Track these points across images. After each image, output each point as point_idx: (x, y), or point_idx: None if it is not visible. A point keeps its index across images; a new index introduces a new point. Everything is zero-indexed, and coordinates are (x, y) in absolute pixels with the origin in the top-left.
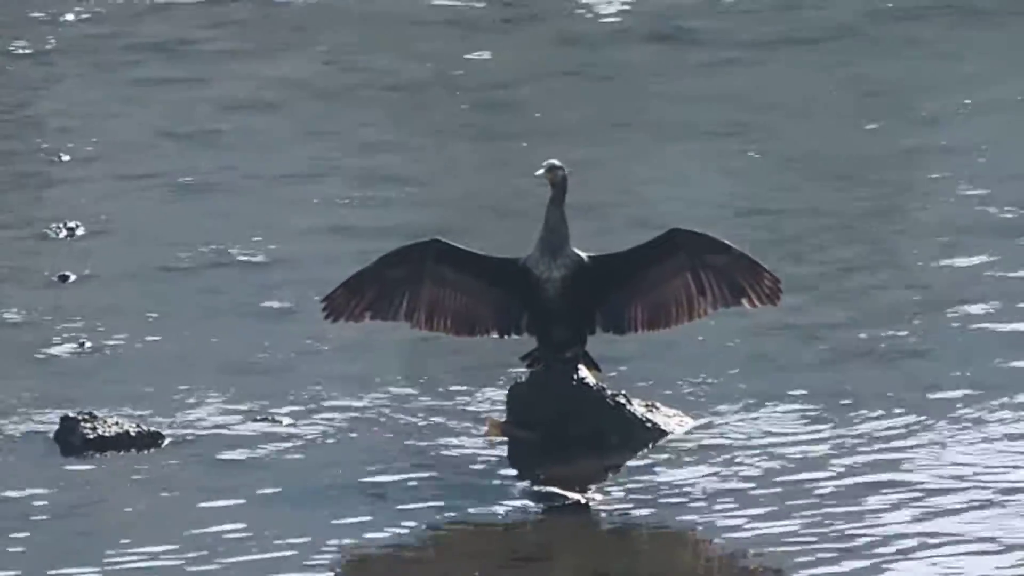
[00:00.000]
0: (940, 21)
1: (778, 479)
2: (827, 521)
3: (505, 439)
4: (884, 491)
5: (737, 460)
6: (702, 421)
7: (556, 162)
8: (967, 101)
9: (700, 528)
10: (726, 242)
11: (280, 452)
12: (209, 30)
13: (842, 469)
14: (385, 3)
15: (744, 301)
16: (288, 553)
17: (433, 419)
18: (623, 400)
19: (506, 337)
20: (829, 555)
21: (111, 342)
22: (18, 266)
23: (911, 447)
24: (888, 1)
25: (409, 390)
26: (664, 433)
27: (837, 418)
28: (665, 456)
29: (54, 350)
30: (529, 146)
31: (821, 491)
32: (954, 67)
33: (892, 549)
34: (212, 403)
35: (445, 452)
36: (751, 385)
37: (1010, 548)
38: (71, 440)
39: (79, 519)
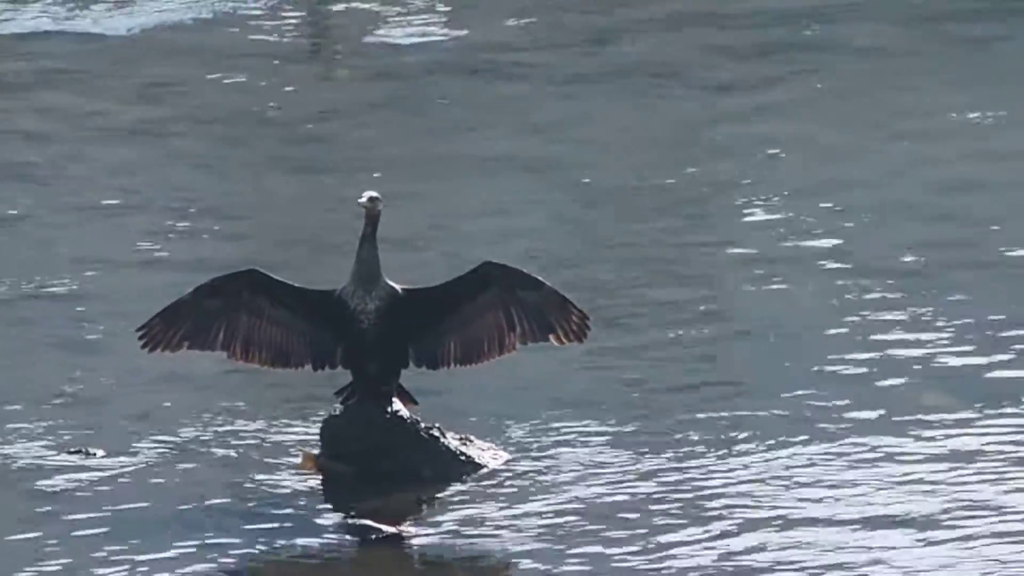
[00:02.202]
0: (750, 55)
1: (592, 512)
2: (641, 553)
3: (319, 472)
4: (696, 522)
5: (551, 492)
6: (516, 454)
7: (376, 194)
8: (779, 133)
9: (513, 561)
10: (537, 277)
11: (94, 484)
12: (23, 63)
13: (655, 501)
14: (199, 37)
15: (551, 337)
16: None
17: (248, 452)
18: (437, 433)
19: (321, 370)
20: None
21: None
22: None
23: (728, 479)
24: (706, 38)
25: (224, 423)
26: (479, 466)
27: (649, 450)
28: (479, 489)
29: None
30: (343, 180)
31: (634, 524)
32: (765, 99)
33: None
34: (26, 435)
35: (260, 485)
36: (565, 418)
37: None
38: None
39: None
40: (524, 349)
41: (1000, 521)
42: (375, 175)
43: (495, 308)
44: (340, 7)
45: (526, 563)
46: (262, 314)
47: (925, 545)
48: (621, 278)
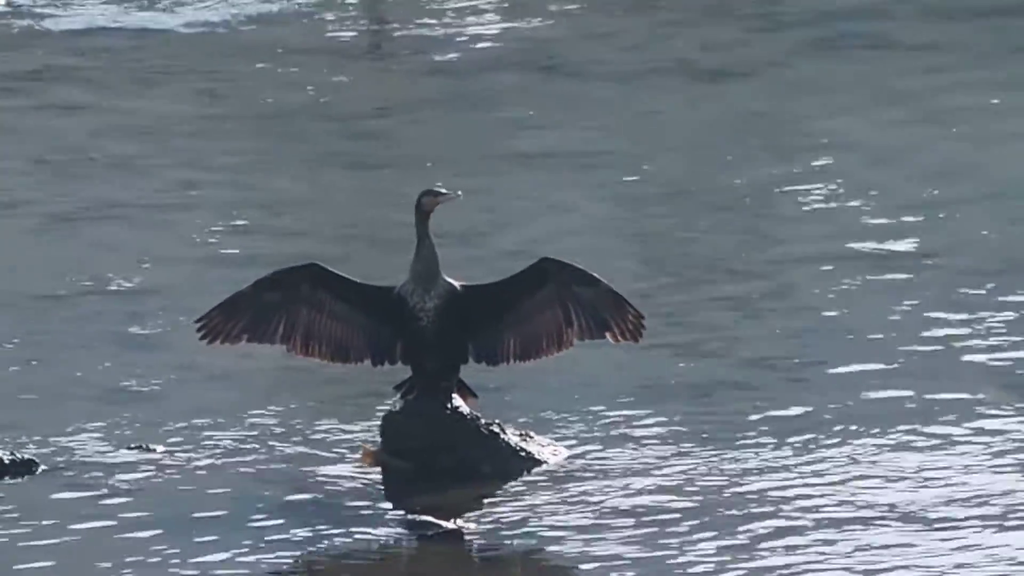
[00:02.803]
0: (808, 52)
1: (652, 508)
2: (700, 550)
3: (379, 468)
4: (760, 521)
5: (611, 489)
6: (576, 450)
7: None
8: (838, 132)
9: (573, 557)
10: (594, 275)
11: (154, 480)
12: (82, 59)
13: (715, 498)
14: (257, 34)
15: (607, 335)
16: None
17: (307, 447)
18: (497, 429)
19: (380, 366)
20: None
21: None
22: None
23: (787, 476)
24: (759, 33)
25: (283, 418)
26: (538, 462)
27: (711, 447)
28: (538, 485)
29: None
30: (400, 175)
31: (694, 521)
32: (823, 98)
33: None
34: (86, 431)
35: (319, 481)
36: (625, 413)
37: None
38: None
39: None
40: (583, 345)
41: None
42: (431, 170)
43: (552, 304)
44: (396, 1)
45: (584, 560)
46: (322, 308)
47: (991, 544)
48: (677, 274)
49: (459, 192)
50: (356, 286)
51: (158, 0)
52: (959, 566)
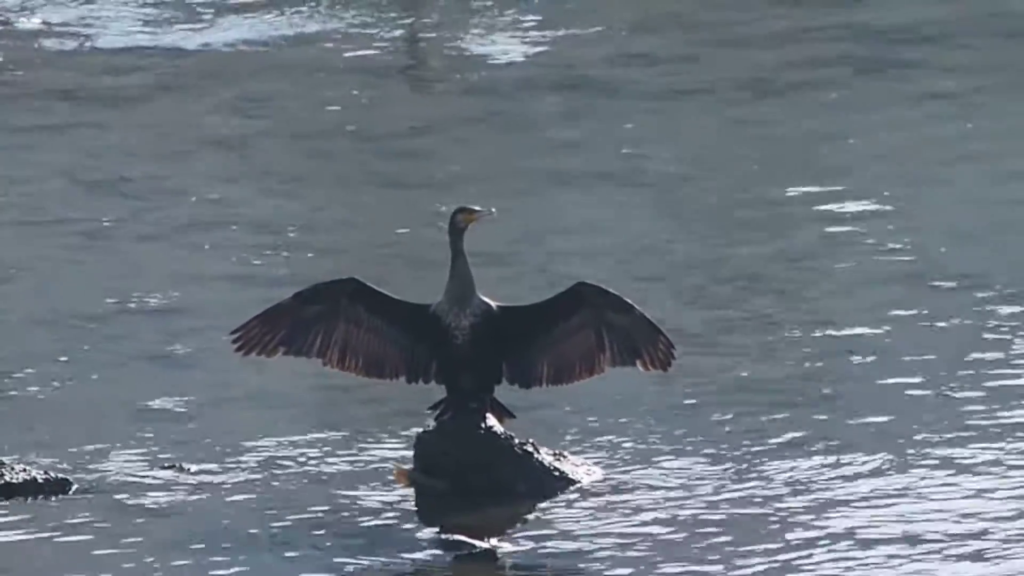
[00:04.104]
0: (844, 72)
1: (687, 525)
2: (738, 567)
3: (413, 488)
4: (796, 537)
5: (645, 509)
6: (610, 469)
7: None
8: (874, 152)
9: None
10: (628, 301)
11: (187, 500)
12: (117, 77)
13: (751, 517)
14: (293, 52)
15: (638, 363)
16: None
17: (340, 467)
18: (531, 449)
19: (415, 383)
20: None
21: (19, 388)
22: None
23: (822, 494)
24: (798, 54)
25: (316, 438)
26: (572, 482)
27: (746, 465)
28: (572, 505)
29: None
30: (435, 195)
31: (730, 538)
32: (859, 118)
33: None
34: (120, 450)
35: (352, 500)
36: (659, 433)
37: None
38: None
39: None
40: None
41: None
42: (466, 190)
43: (586, 329)
44: (432, 21)
45: None
46: (360, 323)
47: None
48: (712, 294)
49: (493, 209)
50: (394, 302)
51: (194, 19)
52: None
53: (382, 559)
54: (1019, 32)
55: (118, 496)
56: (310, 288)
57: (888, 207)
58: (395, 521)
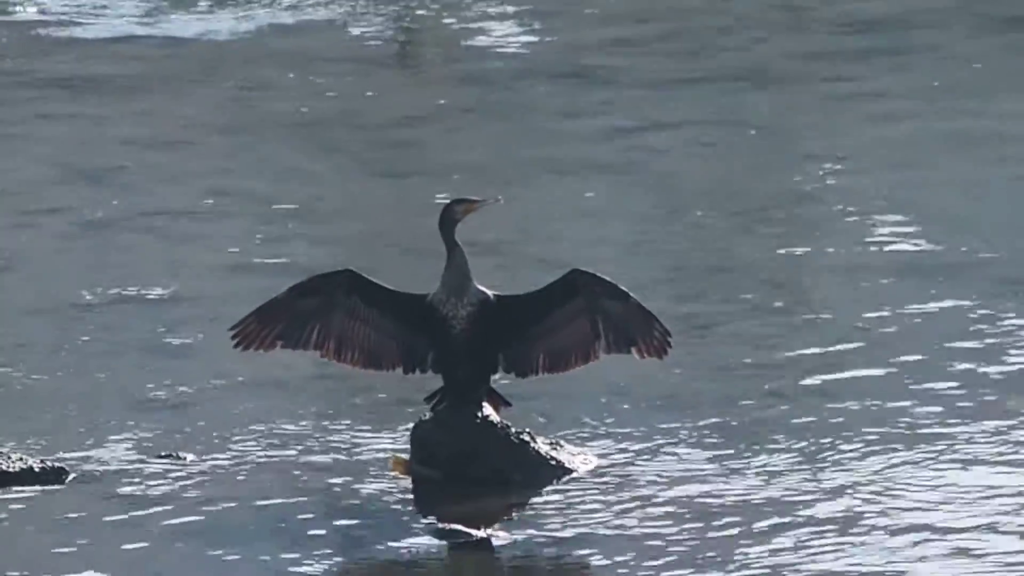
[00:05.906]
0: (842, 62)
1: (682, 517)
2: (732, 558)
3: (409, 477)
4: (792, 529)
5: (641, 498)
6: (606, 459)
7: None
8: (871, 141)
9: (603, 566)
10: (624, 289)
11: (184, 489)
12: (114, 66)
13: (746, 507)
14: (289, 41)
15: (633, 350)
16: None
17: (337, 457)
18: (527, 438)
19: (412, 374)
20: None
21: (15, 378)
22: None
23: (818, 485)
24: (795, 43)
25: (313, 427)
26: (568, 471)
27: (741, 455)
28: (569, 494)
29: None
30: (431, 184)
31: (725, 529)
32: (856, 107)
33: None
34: (116, 439)
35: (349, 490)
36: (655, 422)
37: None
38: None
39: None
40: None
41: None
42: (463, 179)
43: (581, 317)
44: (428, 12)
45: (615, 568)
46: (356, 315)
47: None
48: (709, 283)
49: (500, 197)
50: (390, 293)
51: (190, 8)
52: None
53: (378, 548)
54: (1016, 18)
55: (114, 485)
56: (305, 281)
57: (886, 196)
58: (391, 510)
